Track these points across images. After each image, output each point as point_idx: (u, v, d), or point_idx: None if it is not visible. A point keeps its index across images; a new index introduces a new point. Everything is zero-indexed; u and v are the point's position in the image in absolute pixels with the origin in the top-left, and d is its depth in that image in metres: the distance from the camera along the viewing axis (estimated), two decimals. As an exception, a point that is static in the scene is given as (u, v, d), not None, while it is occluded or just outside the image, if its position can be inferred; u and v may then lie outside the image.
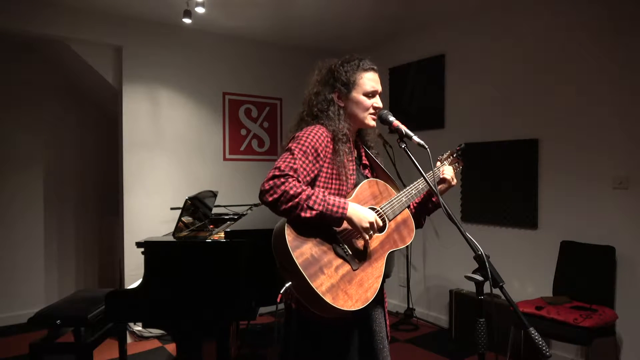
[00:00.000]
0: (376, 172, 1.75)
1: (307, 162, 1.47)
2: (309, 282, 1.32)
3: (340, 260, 1.43)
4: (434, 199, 1.73)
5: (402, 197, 1.62)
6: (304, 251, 1.37)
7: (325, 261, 1.39)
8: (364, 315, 1.55)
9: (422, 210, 1.78)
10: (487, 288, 1.35)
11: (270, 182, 1.40)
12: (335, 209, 1.41)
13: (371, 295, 1.43)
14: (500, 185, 3.67)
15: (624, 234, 2.99)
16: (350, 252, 1.46)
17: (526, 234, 3.54)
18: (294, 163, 1.44)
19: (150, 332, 3.92)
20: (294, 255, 1.34)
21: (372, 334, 1.58)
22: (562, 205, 3.31)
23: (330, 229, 1.46)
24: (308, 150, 1.48)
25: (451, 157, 1.87)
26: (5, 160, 4.34)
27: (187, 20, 3.51)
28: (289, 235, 1.38)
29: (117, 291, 2.36)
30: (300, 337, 1.54)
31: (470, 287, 3.77)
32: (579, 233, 3.19)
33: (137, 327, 3.90)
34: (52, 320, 2.47)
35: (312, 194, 1.40)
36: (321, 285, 1.34)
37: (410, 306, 4.34)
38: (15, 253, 4.36)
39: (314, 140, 1.50)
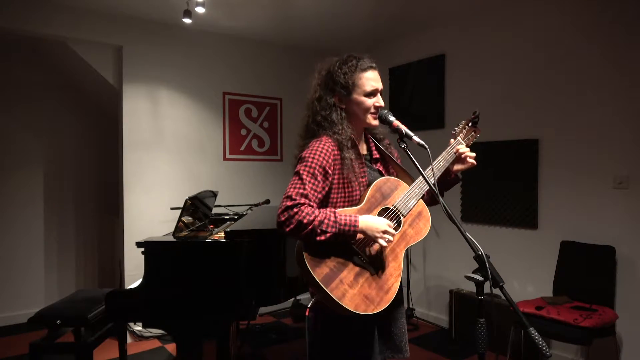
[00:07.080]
0: (388, 163, 1.76)
1: (316, 183, 1.51)
2: (331, 295, 1.42)
3: (358, 269, 1.50)
4: (452, 176, 1.73)
5: (415, 188, 1.61)
6: (322, 267, 1.45)
7: (344, 273, 1.47)
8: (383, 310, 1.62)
9: (442, 187, 1.75)
10: (487, 288, 1.35)
11: (285, 213, 1.45)
12: (347, 227, 1.45)
13: (392, 294, 1.51)
14: (500, 185, 3.67)
15: (624, 234, 2.99)
16: (367, 259, 1.52)
17: (526, 234, 3.54)
18: (304, 189, 1.49)
19: (150, 332, 3.92)
20: (314, 273, 1.43)
21: (390, 327, 1.66)
22: (562, 205, 3.31)
23: (345, 242, 1.51)
24: (316, 172, 1.52)
25: (466, 127, 1.79)
26: (5, 160, 4.34)
27: (187, 20, 3.51)
28: (307, 255, 1.46)
29: (117, 291, 2.36)
30: (324, 327, 1.62)
31: (470, 287, 3.77)
32: (579, 233, 3.19)
33: (137, 327, 3.90)
34: (52, 320, 2.47)
35: (325, 218, 1.45)
36: (343, 296, 1.43)
37: (411, 306, 4.34)
38: (15, 253, 4.36)
39: (321, 158, 1.53)
